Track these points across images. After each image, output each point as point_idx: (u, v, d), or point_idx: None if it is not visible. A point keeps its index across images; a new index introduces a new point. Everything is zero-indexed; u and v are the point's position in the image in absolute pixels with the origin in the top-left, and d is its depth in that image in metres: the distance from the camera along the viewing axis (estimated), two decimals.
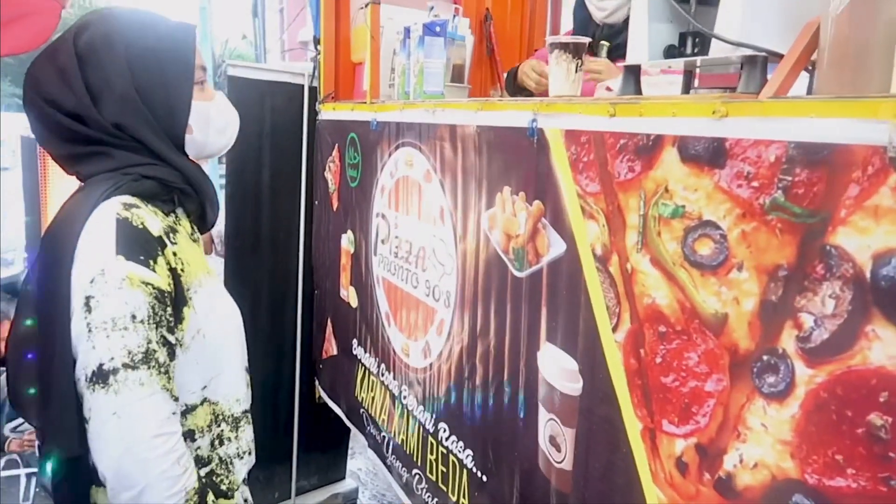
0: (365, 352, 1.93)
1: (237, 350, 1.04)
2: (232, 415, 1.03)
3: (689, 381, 0.86)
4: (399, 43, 1.91)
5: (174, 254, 0.92)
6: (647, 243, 0.90)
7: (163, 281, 0.87)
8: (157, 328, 0.85)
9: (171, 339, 0.88)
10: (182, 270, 0.92)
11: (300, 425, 2.48)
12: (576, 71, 1.43)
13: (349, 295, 2.03)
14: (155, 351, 0.84)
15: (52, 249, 0.88)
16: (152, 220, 0.90)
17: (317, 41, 2.36)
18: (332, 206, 2.16)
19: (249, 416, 1.08)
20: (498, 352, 1.27)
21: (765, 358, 0.75)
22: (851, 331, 0.66)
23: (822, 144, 0.68)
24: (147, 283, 0.84)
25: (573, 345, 1.07)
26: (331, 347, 2.21)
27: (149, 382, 0.83)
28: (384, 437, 1.81)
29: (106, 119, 0.92)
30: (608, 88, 1.55)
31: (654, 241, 0.89)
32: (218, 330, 0.98)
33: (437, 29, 1.79)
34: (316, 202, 2.31)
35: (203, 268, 0.99)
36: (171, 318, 0.88)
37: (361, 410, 1.95)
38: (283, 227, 2.36)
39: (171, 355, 0.88)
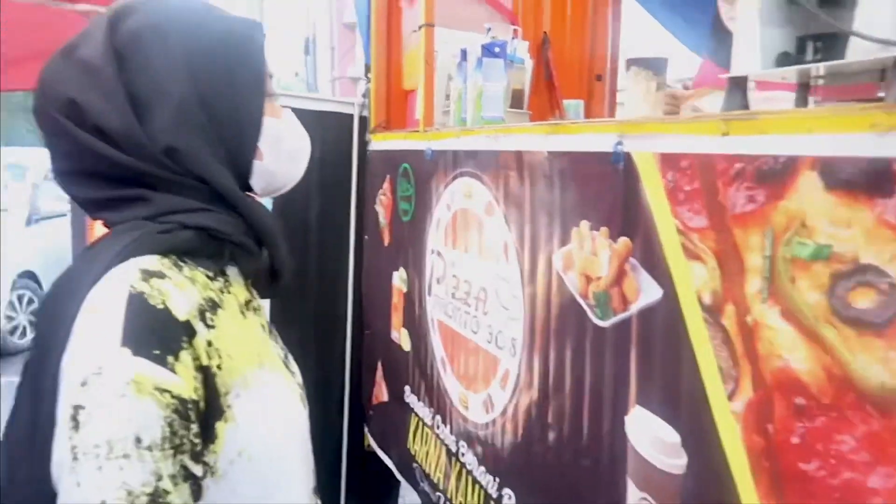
0: (418, 400, 1.76)
1: (299, 470, 0.74)
2: None
3: (841, 472, 0.66)
4: (455, 66, 1.79)
5: (209, 343, 0.65)
6: (777, 292, 0.72)
7: (186, 386, 0.61)
8: (174, 455, 0.59)
9: (197, 469, 0.61)
10: (219, 367, 0.65)
11: (348, 474, 2.33)
12: (656, 90, 1.27)
13: (401, 337, 1.88)
14: (167, 492, 0.58)
15: (45, 324, 0.65)
16: (180, 295, 0.65)
17: (367, 69, 2.27)
18: (382, 242, 2.02)
19: None
20: (575, 412, 1.09)
21: None
22: None
23: None
24: (163, 390, 0.59)
25: (673, 411, 0.88)
26: (381, 393, 2.06)
27: None
28: (439, 497, 1.64)
29: (155, 141, 0.68)
30: (694, 109, 1.38)
31: (787, 290, 0.71)
32: (271, 447, 0.69)
33: (497, 50, 1.66)
34: (366, 237, 2.18)
35: (255, 356, 0.72)
36: (196, 440, 0.61)
37: (414, 465, 1.78)
38: (332, 263, 2.24)
39: (196, 493, 0.61)
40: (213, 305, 0.69)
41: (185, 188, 0.70)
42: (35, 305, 5.63)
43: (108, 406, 0.57)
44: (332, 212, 2.23)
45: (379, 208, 2.06)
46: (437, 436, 1.65)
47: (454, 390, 1.55)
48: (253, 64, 0.75)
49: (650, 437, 0.92)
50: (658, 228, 0.90)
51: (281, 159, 0.80)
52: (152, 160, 0.68)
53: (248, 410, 0.67)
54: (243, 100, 0.74)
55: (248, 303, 0.77)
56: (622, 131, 0.97)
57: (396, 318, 1.92)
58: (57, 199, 6.24)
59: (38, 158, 6.59)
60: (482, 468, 1.41)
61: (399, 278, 1.89)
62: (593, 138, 1.03)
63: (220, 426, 0.65)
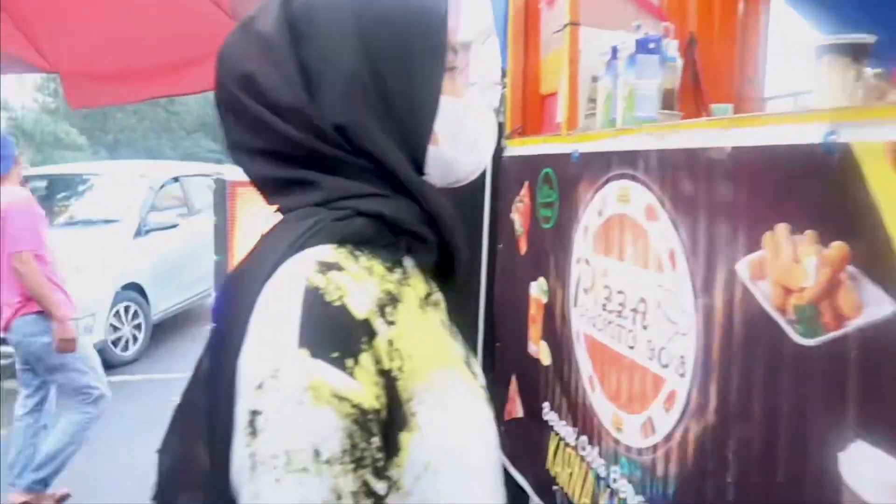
0: (560, 418, 1.66)
1: (491, 485, 0.65)
2: None
3: None
4: (601, 66, 1.69)
5: (390, 343, 0.59)
6: None
7: (367, 393, 0.55)
8: (355, 471, 0.53)
9: (380, 486, 0.56)
10: (400, 370, 0.59)
11: None
12: (856, 79, 1.11)
13: (540, 351, 1.79)
14: None
15: (220, 321, 0.62)
16: (359, 289, 0.59)
17: (503, 73, 2.21)
18: (518, 250, 1.94)
19: None
20: (768, 445, 0.95)
21: None
22: None
23: None
24: (342, 398, 0.53)
25: None
26: (515, 409, 1.97)
27: None
28: None
29: (324, 117, 0.63)
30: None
31: None
32: (461, 459, 0.61)
33: (652, 45, 1.55)
34: (500, 246, 2.11)
35: (438, 356, 0.64)
36: (378, 454, 0.56)
37: (555, 487, 1.68)
38: (464, 274, 2.19)
39: None
40: (393, 299, 0.63)
41: (357, 170, 0.65)
42: (140, 318, 5.59)
43: (285, 413, 0.53)
44: (464, 220, 2.18)
45: (515, 216, 1.98)
46: (583, 458, 1.53)
47: (604, 410, 1.44)
48: (432, 34, 0.67)
49: (877, 479, 0.77)
50: (890, 230, 0.76)
51: (459, 145, 0.71)
52: (323, 137, 0.64)
53: (434, 418, 0.60)
54: (419, 74, 0.66)
55: (427, 296, 0.70)
56: (836, 119, 0.83)
57: (534, 330, 1.83)
58: (167, 212, 6.35)
59: (155, 171, 6.81)
60: (640, 498, 1.29)
61: (538, 288, 1.80)
62: (794, 129, 0.90)
63: (403, 437, 0.58)
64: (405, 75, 0.66)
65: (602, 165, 1.46)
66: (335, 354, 0.55)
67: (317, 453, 0.52)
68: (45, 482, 3.02)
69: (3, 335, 3.01)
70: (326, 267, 0.59)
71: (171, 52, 2.08)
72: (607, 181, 1.43)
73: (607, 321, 1.42)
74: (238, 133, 0.68)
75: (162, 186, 6.51)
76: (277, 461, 0.52)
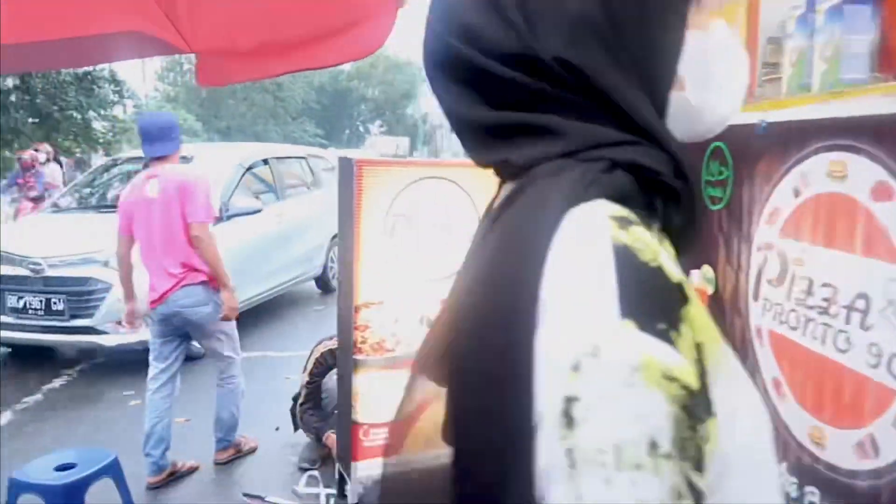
0: None
1: (777, 489, 0.54)
2: None
3: None
4: (792, 21, 1.46)
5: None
6: None
7: (691, 371, 0.45)
8: (680, 464, 0.43)
9: (701, 482, 0.44)
10: (702, 343, 0.48)
11: None
12: None
13: None
14: None
15: (485, 301, 0.51)
16: (663, 249, 0.49)
17: None
18: None
19: None
20: None
21: None
22: None
23: None
24: (671, 379, 0.43)
25: None
26: None
27: None
28: None
29: (552, 59, 0.54)
30: None
31: None
32: (754, 456, 0.51)
33: None
34: None
35: (715, 329, 0.53)
36: (702, 444, 0.45)
37: None
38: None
39: None
40: None
41: (591, 113, 0.54)
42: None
43: (612, 398, 0.43)
44: None
45: None
46: None
47: (797, 419, 1.24)
48: None
49: None
50: None
51: (709, 90, 0.58)
52: (552, 80, 0.54)
53: (727, 402, 0.49)
54: (659, 10, 0.55)
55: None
56: None
57: None
58: (250, 196, 5.87)
59: (241, 152, 6.33)
60: None
61: (702, 277, 1.61)
62: None
63: (711, 425, 0.47)
64: (640, 13, 0.54)
65: (800, 136, 1.25)
66: (662, 326, 0.45)
67: (653, 446, 0.42)
68: (234, 435, 3.41)
69: (153, 308, 3.09)
70: (624, 222, 0.48)
71: (306, 25, 2.03)
72: (809, 155, 1.22)
73: (805, 318, 1.22)
74: (456, 85, 0.59)
75: (248, 169, 6.04)
76: (605, 457, 0.42)
